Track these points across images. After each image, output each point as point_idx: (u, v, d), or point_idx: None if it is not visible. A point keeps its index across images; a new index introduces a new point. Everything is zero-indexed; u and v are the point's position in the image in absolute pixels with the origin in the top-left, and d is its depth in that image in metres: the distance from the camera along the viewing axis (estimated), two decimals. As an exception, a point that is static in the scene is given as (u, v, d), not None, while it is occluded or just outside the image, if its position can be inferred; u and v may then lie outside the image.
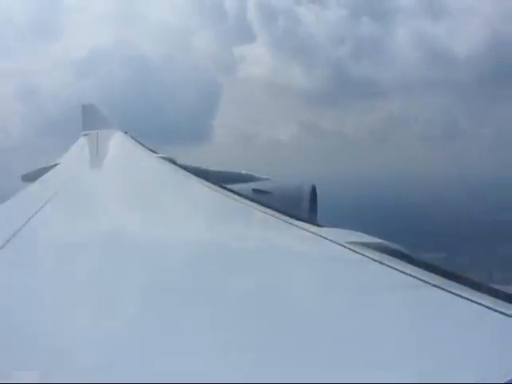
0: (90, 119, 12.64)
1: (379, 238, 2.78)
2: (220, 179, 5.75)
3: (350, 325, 1.68)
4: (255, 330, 1.66)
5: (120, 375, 1.37)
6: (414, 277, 2.07)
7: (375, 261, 2.32)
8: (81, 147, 10.28)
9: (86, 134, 11.41)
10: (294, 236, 3.05)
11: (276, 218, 3.47)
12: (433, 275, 2.08)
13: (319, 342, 1.56)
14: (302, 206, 6.73)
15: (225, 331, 1.66)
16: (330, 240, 2.70)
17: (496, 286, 1.98)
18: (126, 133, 11.59)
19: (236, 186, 5.69)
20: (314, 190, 7.08)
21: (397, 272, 2.16)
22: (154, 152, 8.64)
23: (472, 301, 1.78)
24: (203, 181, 5.27)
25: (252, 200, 4.24)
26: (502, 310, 1.68)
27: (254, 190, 6.75)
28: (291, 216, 3.47)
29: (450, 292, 1.88)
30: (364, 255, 2.40)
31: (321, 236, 2.82)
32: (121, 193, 5.11)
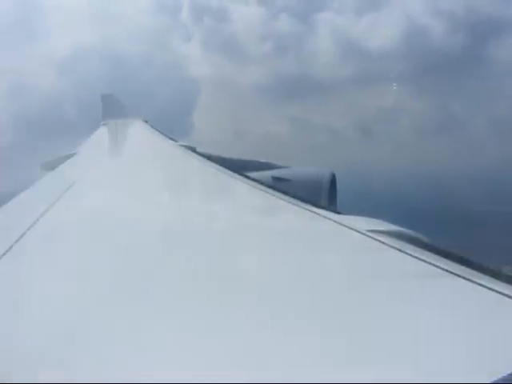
0: (109, 109, 12.69)
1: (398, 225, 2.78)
2: (240, 167, 5.79)
3: (370, 313, 1.70)
4: (277, 314, 1.69)
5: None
6: (434, 265, 2.07)
7: (396, 249, 2.33)
8: (101, 136, 10.34)
9: (105, 124, 11.46)
10: (315, 223, 3.07)
11: (296, 205, 3.49)
12: (453, 263, 2.08)
13: (339, 328, 1.58)
14: (321, 193, 6.73)
15: (255, 312, 1.71)
16: (351, 228, 2.71)
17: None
18: (146, 122, 11.63)
19: (256, 174, 5.72)
20: (333, 178, 7.08)
21: (417, 260, 2.16)
22: (174, 140, 8.69)
23: (493, 290, 1.78)
24: (224, 169, 5.31)
25: (272, 188, 4.26)
26: None
27: (274, 178, 6.78)
28: (311, 203, 3.49)
29: (470, 281, 1.88)
30: (385, 243, 2.41)
31: (341, 224, 2.83)
32: (144, 180, 5.18)
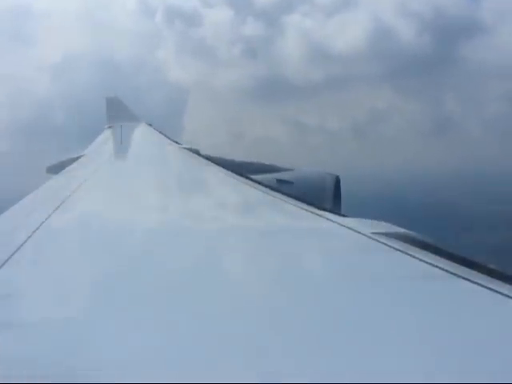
0: (114, 112, 12.75)
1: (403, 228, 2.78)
2: (244, 169, 5.80)
3: (373, 315, 1.69)
4: (280, 316, 1.69)
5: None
6: (440, 268, 2.07)
7: (400, 251, 2.33)
8: (106, 139, 10.39)
9: (110, 127, 11.52)
10: (320, 226, 3.08)
11: (300, 208, 3.50)
12: (459, 266, 2.08)
13: (342, 331, 1.58)
14: (325, 196, 6.73)
15: (261, 311, 1.71)
16: (356, 230, 2.72)
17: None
18: (150, 125, 11.70)
19: (260, 177, 5.73)
20: (337, 180, 7.08)
21: (422, 262, 2.16)
22: (178, 143, 8.73)
23: (497, 292, 1.77)
24: (228, 171, 5.33)
25: (276, 190, 4.27)
26: None
27: (278, 180, 6.78)
28: (315, 206, 3.49)
29: (475, 283, 1.88)
30: (390, 246, 2.41)
31: (346, 226, 2.84)
32: (149, 182, 5.20)
